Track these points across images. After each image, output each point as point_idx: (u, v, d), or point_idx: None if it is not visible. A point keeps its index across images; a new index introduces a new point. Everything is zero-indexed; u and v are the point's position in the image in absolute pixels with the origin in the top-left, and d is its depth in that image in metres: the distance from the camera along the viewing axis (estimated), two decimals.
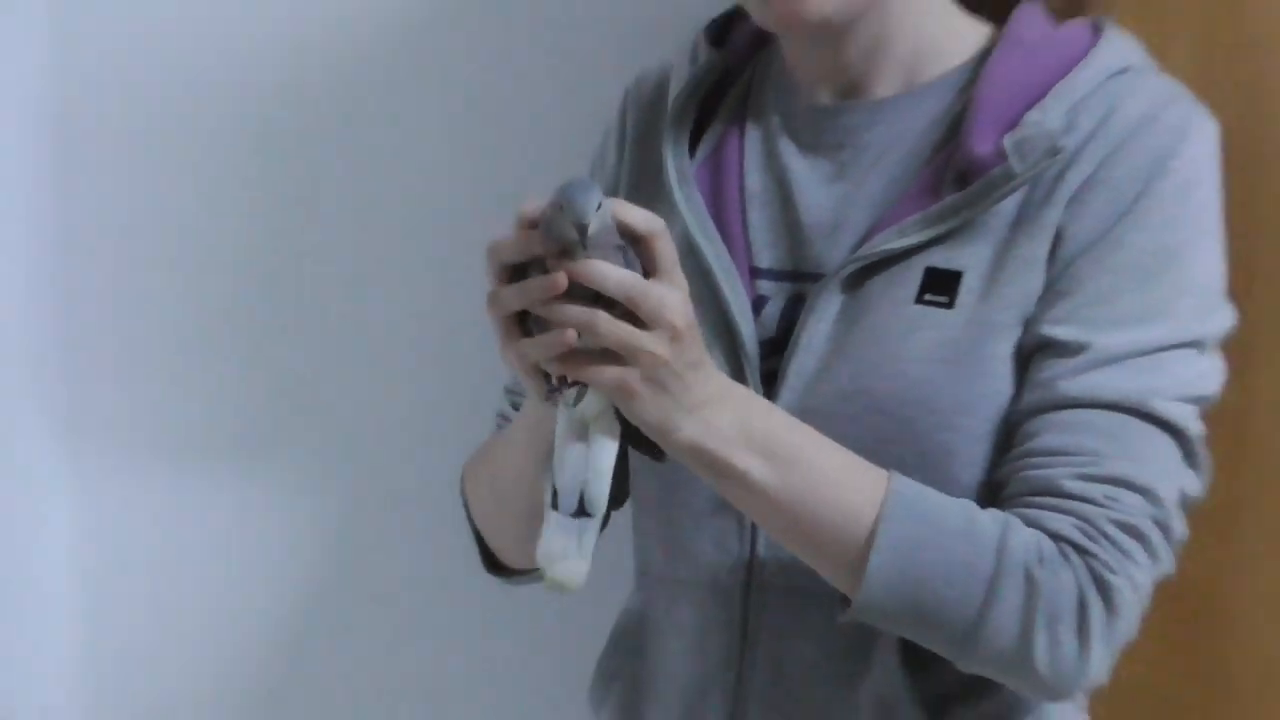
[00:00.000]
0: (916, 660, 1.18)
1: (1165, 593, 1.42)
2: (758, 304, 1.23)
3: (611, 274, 1.03)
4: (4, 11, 1.72)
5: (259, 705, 1.80)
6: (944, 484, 1.15)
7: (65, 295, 1.78)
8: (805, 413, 1.16)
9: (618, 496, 1.24)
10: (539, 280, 1.03)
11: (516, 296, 1.04)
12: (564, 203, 0.98)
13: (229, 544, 1.80)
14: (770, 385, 1.19)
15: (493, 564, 1.38)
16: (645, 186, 1.29)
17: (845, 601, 1.14)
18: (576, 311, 1.03)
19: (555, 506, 1.11)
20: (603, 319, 1.04)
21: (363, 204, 1.63)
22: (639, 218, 1.04)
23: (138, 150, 1.75)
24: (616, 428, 1.11)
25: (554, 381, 1.07)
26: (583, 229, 0.98)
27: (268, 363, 1.77)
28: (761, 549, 1.22)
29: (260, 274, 1.77)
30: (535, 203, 1.03)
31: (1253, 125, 1.41)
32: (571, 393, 1.08)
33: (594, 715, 1.39)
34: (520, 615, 1.61)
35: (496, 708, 1.74)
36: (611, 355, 1.04)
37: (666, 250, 1.05)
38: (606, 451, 1.11)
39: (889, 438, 1.15)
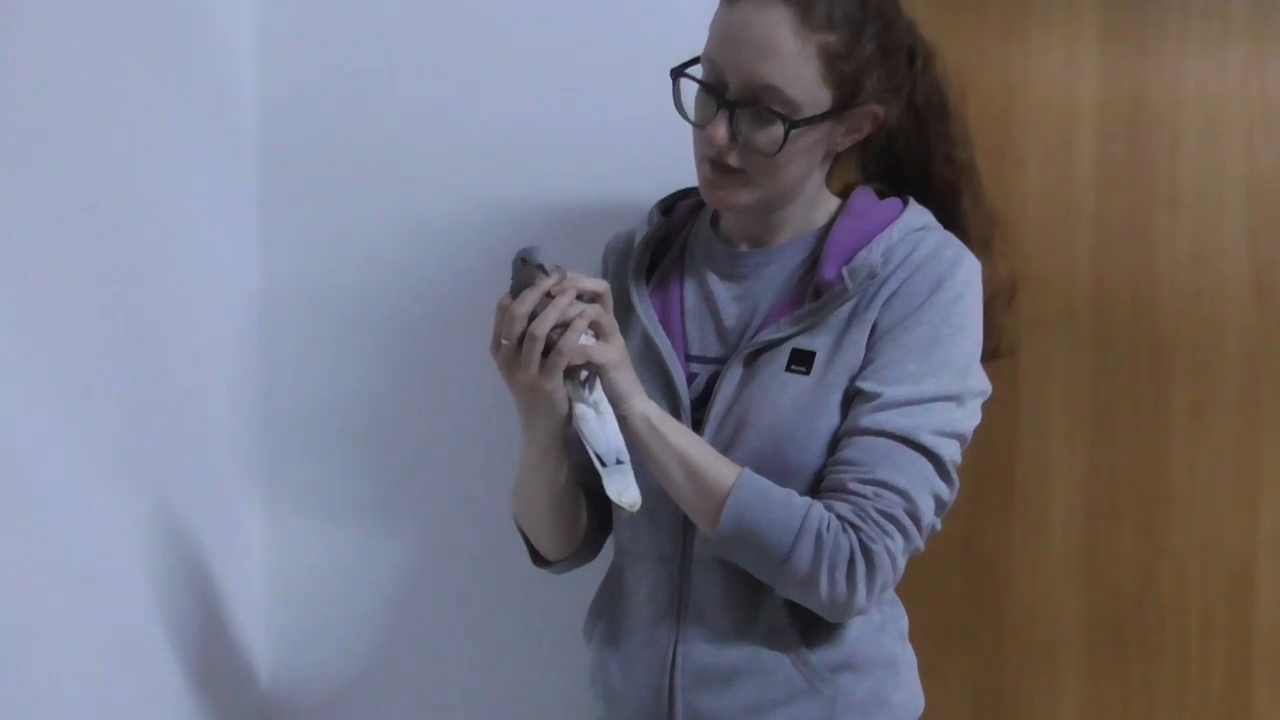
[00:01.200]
0: (792, 602, 1.52)
1: (964, 555, 1.88)
2: (691, 377, 1.59)
3: (589, 281, 1.45)
4: (216, 88, 1.94)
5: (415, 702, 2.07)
6: (794, 482, 1.49)
7: (265, 384, 2.05)
8: (715, 440, 1.53)
9: None
10: (558, 300, 1.41)
11: (553, 313, 1.41)
12: (527, 258, 1.44)
13: (384, 576, 2.07)
14: (698, 426, 1.55)
15: (536, 559, 1.70)
16: (619, 304, 1.60)
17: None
18: (580, 306, 1.43)
19: (604, 465, 1.47)
20: (596, 308, 1.44)
21: None
22: (590, 283, 1.45)
23: (330, 248, 2.02)
24: (609, 406, 1.48)
25: (580, 377, 1.45)
26: (539, 265, 1.43)
27: (419, 440, 2.05)
28: (694, 533, 1.55)
29: (423, 369, 2.03)
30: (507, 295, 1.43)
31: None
32: (577, 385, 1.46)
33: (586, 642, 1.70)
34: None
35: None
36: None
37: (609, 302, 1.48)
38: (613, 419, 1.48)
39: (766, 454, 1.51)
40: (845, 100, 1.52)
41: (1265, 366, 1.91)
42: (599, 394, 1.48)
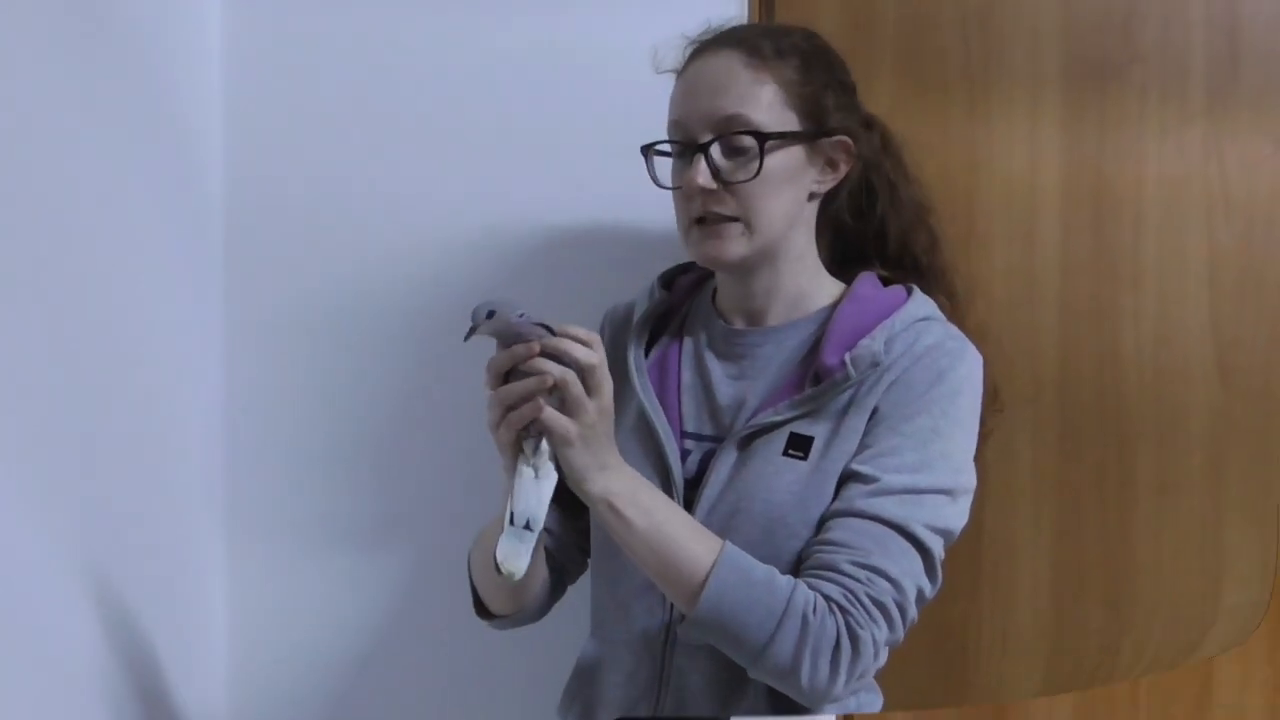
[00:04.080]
0: (772, 690, 1.49)
1: (931, 630, 1.82)
2: (684, 455, 1.58)
3: (579, 351, 1.39)
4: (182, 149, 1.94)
5: None
6: (784, 569, 1.47)
7: (228, 419, 2.05)
8: (707, 524, 1.50)
9: (571, 570, 1.62)
10: (523, 353, 1.37)
11: (508, 358, 1.38)
12: (494, 310, 1.39)
13: (346, 610, 2.06)
14: (689, 506, 1.53)
15: (481, 612, 1.68)
16: (616, 376, 1.57)
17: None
18: (552, 366, 1.38)
19: (512, 522, 1.42)
20: (570, 375, 1.38)
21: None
22: (581, 334, 1.40)
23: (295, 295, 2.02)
24: (555, 475, 1.43)
25: (528, 433, 1.40)
26: (473, 329, 1.39)
27: (385, 470, 2.04)
28: (675, 617, 1.55)
29: (387, 405, 2.03)
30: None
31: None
32: (532, 443, 1.41)
33: None
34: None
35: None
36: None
37: (605, 369, 1.41)
38: (548, 489, 1.43)
39: (757, 540, 1.49)
40: (813, 124, 1.56)
41: (1229, 444, 1.94)
42: (543, 457, 1.44)
